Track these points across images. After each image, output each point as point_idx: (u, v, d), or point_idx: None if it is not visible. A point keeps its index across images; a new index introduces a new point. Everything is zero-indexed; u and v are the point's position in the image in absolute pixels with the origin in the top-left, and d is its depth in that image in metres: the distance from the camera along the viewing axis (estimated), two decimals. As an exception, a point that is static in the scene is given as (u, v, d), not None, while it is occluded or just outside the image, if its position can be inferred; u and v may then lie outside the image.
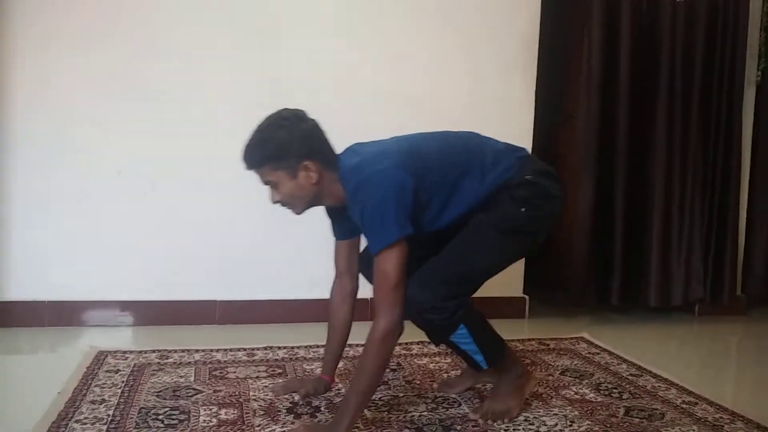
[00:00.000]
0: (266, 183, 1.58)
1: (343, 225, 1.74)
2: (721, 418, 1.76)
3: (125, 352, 2.13)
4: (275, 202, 1.60)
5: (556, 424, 1.69)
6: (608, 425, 1.69)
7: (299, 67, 2.58)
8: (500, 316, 2.76)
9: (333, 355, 1.82)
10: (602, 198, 2.88)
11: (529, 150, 2.28)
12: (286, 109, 1.58)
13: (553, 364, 2.22)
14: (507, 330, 2.41)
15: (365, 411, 1.68)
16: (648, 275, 2.89)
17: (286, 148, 1.52)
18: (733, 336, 2.86)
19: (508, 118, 2.78)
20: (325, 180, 1.58)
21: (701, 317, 3.00)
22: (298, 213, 1.62)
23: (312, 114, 1.59)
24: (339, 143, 1.63)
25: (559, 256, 3.07)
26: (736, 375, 2.40)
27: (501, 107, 2.78)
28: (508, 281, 2.87)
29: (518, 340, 2.48)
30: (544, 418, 1.72)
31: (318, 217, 1.78)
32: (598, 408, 1.81)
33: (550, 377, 2.07)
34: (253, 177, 1.57)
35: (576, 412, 1.77)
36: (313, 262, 2.62)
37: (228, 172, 2.20)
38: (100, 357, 2.07)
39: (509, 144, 1.73)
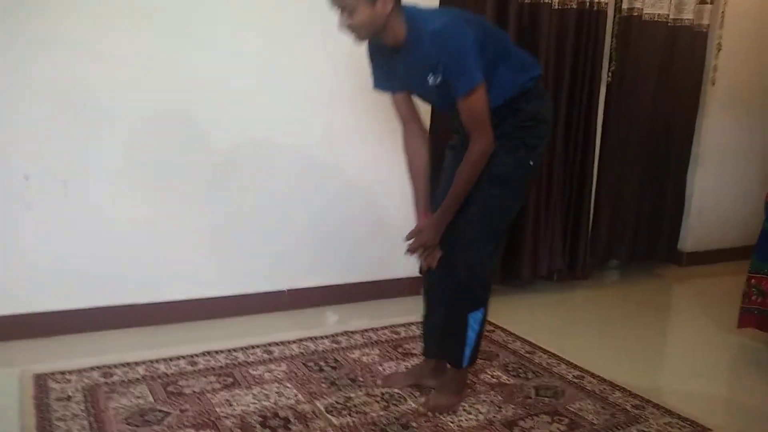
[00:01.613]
0: (342, 8, 1.74)
1: (382, 71, 1.96)
2: (604, 389, 2.23)
3: (63, 372, 2.09)
4: (346, 26, 1.76)
5: (488, 411, 2.02)
6: (527, 407, 2.07)
7: (216, 63, 2.55)
8: (398, 294, 3.10)
9: (425, 194, 2.02)
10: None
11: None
12: None
13: (462, 346, 2.57)
14: (408, 310, 2.75)
15: (331, 418, 1.89)
16: (522, 252, 3.33)
17: None
18: (585, 301, 3.43)
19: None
20: (393, 16, 1.76)
21: (560, 284, 3.54)
22: (360, 40, 1.82)
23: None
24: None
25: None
26: (592, 340, 2.93)
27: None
28: (408, 260, 3.16)
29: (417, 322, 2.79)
30: (477, 406, 2.05)
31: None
32: (514, 391, 2.18)
33: (466, 361, 2.42)
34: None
35: (500, 397, 2.13)
36: (228, 255, 2.71)
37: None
38: (40, 381, 2.01)
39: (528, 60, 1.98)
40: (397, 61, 1.88)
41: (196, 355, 2.30)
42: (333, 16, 1.80)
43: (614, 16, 3.49)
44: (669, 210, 3.97)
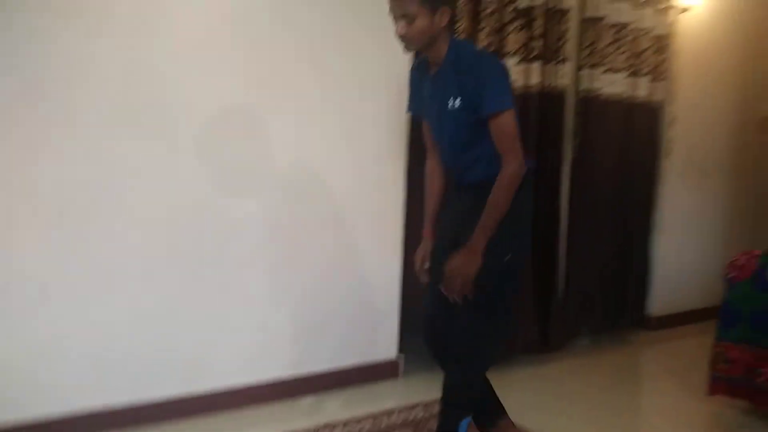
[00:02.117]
0: (403, 15, 1.88)
1: (417, 95, 2.15)
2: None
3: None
4: (402, 34, 1.91)
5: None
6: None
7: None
8: (374, 378, 3.09)
9: (433, 217, 2.23)
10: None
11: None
12: None
13: None
14: (384, 392, 2.86)
15: None
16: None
17: None
18: (560, 374, 3.48)
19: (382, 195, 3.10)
20: (443, 32, 1.95)
21: (533, 356, 3.58)
22: (410, 51, 1.99)
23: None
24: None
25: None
26: (571, 416, 2.96)
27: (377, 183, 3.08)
28: (382, 343, 3.18)
29: (402, 409, 2.80)
30: (463, 501, 2.06)
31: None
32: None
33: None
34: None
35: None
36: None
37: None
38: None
39: None
40: (427, 83, 2.07)
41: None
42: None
43: (576, 97, 3.67)
44: (635, 276, 4.10)
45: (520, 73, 3.29)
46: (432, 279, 2.19)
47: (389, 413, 2.73)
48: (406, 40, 1.93)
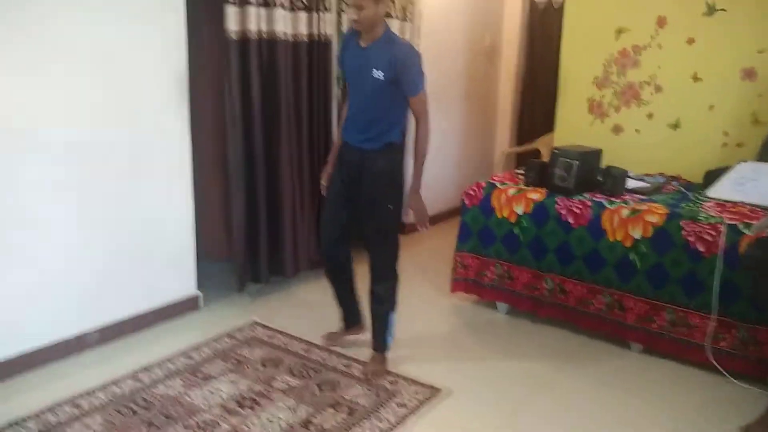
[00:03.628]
0: (356, 6, 2.54)
1: (344, 60, 2.79)
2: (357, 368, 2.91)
3: None
4: (354, 20, 2.59)
5: (287, 416, 2.54)
6: (315, 404, 2.64)
7: None
8: (178, 314, 3.41)
9: (335, 152, 2.96)
10: (251, 200, 3.64)
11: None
12: None
13: (251, 357, 3.02)
14: (189, 328, 3.16)
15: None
16: (284, 254, 3.84)
17: None
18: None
19: (170, 148, 3.25)
20: (382, 20, 2.64)
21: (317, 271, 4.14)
22: (359, 29, 2.64)
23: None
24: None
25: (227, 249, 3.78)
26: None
27: (160, 137, 3.21)
28: (182, 282, 3.46)
29: (209, 341, 3.18)
30: (278, 414, 2.55)
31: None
32: (302, 391, 2.72)
33: (258, 371, 2.88)
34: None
35: (292, 400, 2.66)
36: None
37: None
38: None
39: None
40: (356, 51, 2.70)
41: (4, 429, 2.39)
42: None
43: (338, 37, 4.05)
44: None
45: (289, 22, 3.57)
46: (330, 205, 2.95)
47: (198, 347, 3.09)
48: (357, 23, 2.62)
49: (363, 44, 2.69)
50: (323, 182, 3.02)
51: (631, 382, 2.93)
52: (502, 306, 3.65)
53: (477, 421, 2.58)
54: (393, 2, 4.31)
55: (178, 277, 3.45)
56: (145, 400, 2.62)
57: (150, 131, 3.16)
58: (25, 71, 2.65)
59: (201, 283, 3.57)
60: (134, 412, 2.53)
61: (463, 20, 5.34)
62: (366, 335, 3.12)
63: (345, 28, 3.98)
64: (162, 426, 2.45)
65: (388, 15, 3.95)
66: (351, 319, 3.19)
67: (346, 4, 2.72)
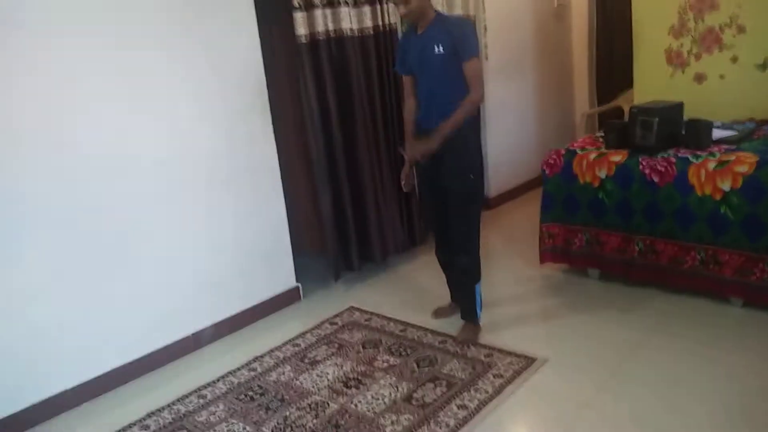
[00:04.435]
0: (398, 2, 2.76)
1: (405, 57, 2.96)
2: (462, 348, 3.01)
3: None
4: (402, 14, 2.80)
5: (390, 393, 2.71)
6: (415, 380, 2.78)
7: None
8: (281, 306, 3.64)
9: (411, 130, 3.08)
10: (336, 193, 3.82)
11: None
12: None
13: (351, 340, 3.21)
14: (292, 318, 3.41)
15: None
16: (372, 242, 4.00)
17: None
18: (425, 265, 4.21)
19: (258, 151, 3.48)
20: (429, 6, 2.83)
21: (401, 255, 4.28)
22: (410, 20, 2.88)
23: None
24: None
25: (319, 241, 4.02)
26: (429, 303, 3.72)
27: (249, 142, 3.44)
28: (282, 276, 3.70)
29: (312, 328, 3.39)
30: (381, 392, 2.72)
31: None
32: (402, 368, 2.88)
33: (359, 353, 3.06)
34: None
35: (394, 378, 2.82)
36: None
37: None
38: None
39: None
40: (414, 40, 2.88)
41: (144, 418, 2.70)
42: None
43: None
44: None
45: (354, 18, 3.69)
46: (425, 195, 3.17)
47: (303, 335, 3.31)
48: (406, 17, 2.82)
49: (419, 31, 2.87)
50: (405, 178, 3.14)
51: (733, 339, 2.87)
52: (593, 272, 3.64)
53: (574, 388, 2.64)
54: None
55: (278, 272, 3.68)
56: (260, 387, 2.87)
57: (239, 138, 3.38)
58: (137, 109, 2.98)
59: (299, 275, 3.80)
60: (252, 399, 2.77)
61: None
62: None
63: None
64: (278, 409, 2.67)
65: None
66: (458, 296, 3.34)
67: (393, 2, 2.88)
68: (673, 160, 3.19)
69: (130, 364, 3.03)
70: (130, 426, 2.67)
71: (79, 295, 2.84)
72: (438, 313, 3.36)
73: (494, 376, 2.75)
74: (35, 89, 2.63)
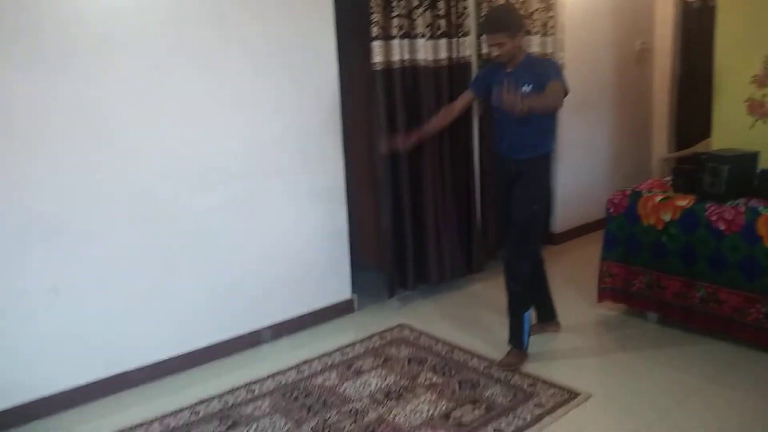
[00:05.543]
0: (496, 44, 2.90)
1: (483, 84, 3.17)
2: (506, 375, 3.03)
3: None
4: (496, 55, 2.96)
5: (429, 409, 2.75)
6: (455, 399, 2.82)
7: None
8: (335, 316, 3.76)
9: (432, 127, 3.45)
10: (398, 214, 3.94)
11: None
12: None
13: (398, 355, 3.28)
14: (344, 327, 3.43)
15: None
16: (429, 263, 4.08)
17: (517, 24, 2.95)
18: (483, 290, 4.24)
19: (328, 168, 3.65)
20: (521, 47, 2.98)
21: (459, 280, 4.32)
22: (500, 59, 2.98)
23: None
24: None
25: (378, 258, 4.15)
26: (491, 330, 3.74)
27: (320, 160, 3.62)
28: (338, 287, 3.83)
29: (362, 340, 3.49)
30: (420, 406, 2.77)
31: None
32: (443, 387, 2.93)
33: (404, 368, 3.13)
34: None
35: (434, 396, 2.87)
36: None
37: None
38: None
39: None
40: (502, 76, 2.96)
41: (195, 405, 2.86)
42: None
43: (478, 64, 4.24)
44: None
45: (430, 50, 3.83)
46: (501, 215, 3.26)
47: (352, 345, 3.42)
48: (499, 58, 2.96)
49: (508, 69, 3.01)
50: (401, 141, 3.43)
51: (793, 396, 2.76)
52: (652, 316, 3.57)
53: (615, 427, 2.60)
54: (533, 19, 4.42)
55: (336, 282, 3.82)
56: (305, 388, 2.98)
57: (312, 156, 3.57)
58: (228, 128, 3.25)
59: (355, 288, 3.92)
60: (296, 398, 2.89)
61: (610, 27, 5.26)
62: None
63: (484, 49, 4.16)
64: (319, 411, 2.77)
65: (528, 33, 4.12)
66: (543, 316, 3.46)
67: (487, 44, 3.14)
68: (743, 209, 3.12)
69: (191, 353, 3.22)
70: (182, 409, 2.84)
71: (152, 289, 3.09)
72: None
73: (535, 406, 2.75)
74: (140, 108, 2.96)
